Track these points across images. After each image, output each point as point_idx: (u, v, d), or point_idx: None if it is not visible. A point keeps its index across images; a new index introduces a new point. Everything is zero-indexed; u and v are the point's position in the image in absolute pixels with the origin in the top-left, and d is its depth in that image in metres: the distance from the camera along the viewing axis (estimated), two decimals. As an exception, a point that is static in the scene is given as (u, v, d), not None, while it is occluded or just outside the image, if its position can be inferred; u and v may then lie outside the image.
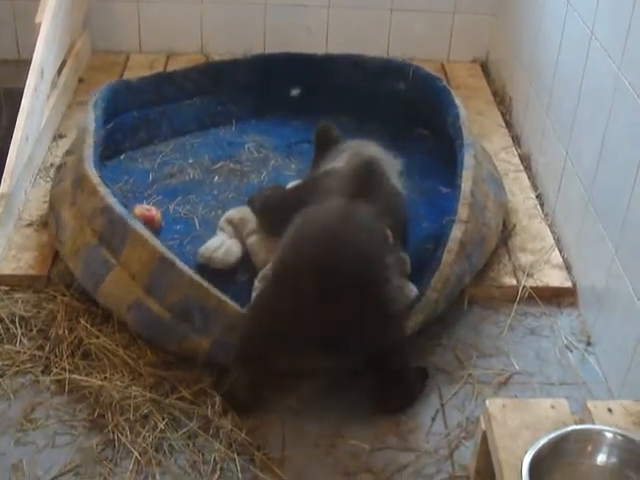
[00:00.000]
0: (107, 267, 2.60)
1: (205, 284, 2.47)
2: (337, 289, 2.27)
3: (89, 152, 2.90)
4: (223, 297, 2.46)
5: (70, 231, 2.77)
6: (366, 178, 2.64)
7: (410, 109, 3.60)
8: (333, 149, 2.90)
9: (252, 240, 2.85)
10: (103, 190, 2.72)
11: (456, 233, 2.71)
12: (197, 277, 2.48)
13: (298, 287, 2.28)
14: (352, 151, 2.82)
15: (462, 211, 2.77)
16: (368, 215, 2.50)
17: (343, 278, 2.28)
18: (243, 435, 2.31)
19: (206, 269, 2.72)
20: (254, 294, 2.67)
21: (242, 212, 2.96)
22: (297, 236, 2.45)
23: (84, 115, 3.21)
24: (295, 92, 3.71)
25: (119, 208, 2.66)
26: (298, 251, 2.39)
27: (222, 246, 2.83)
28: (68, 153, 3.20)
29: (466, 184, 2.86)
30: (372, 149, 2.83)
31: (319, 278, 2.27)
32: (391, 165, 2.79)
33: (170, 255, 2.53)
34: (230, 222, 2.92)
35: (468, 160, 2.97)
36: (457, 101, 3.34)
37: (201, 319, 2.45)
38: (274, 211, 2.82)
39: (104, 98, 3.28)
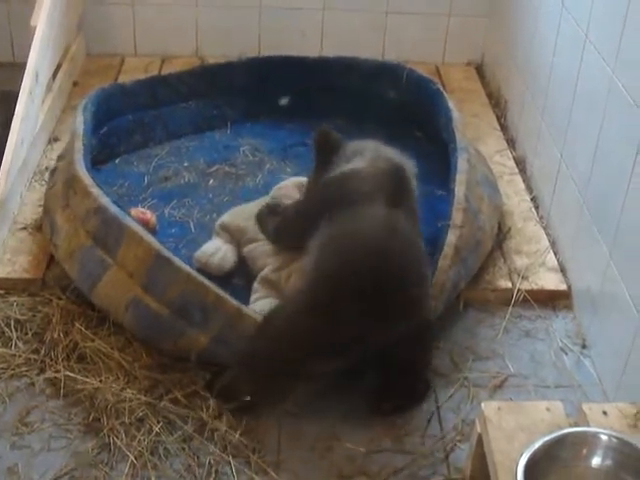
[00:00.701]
0: (103, 267, 2.61)
1: (203, 279, 2.47)
2: (383, 303, 2.28)
3: (79, 155, 2.91)
4: (222, 293, 2.46)
5: (64, 234, 2.77)
6: (401, 185, 2.63)
7: (404, 111, 3.61)
8: (339, 152, 2.84)
9: (249, 248, 2.85)
10: (96, 191, 2.72)
11: (451, 238, 2.71)
12: (194, 273, 2.49)
13: (341, 300, 2.28)
14: (372, 153, 2.77)
15: (456, 216, 2.78)
16: (410, 227, 2.51)
17: (390, 293, 2.30)
18: (237, 436, 2.30)
19: (202, 273, 2.71)
20: (253, 296, 2.67)
21: (238, 218, 2.95)
22: (342, 247, 2.42)
23: (74, 118, 3.21)
24: (284, 101, 3.71)
25: (113, 208, 2.66)
26: (344, 262, 2.36)
27: (218, 252, 2.83)
28: (60, 158, 3.20)
29: (460, 188, 2.86)
30: (389, 151, 2.80)
31: (366, 292, 2.27)
32: (411, 168, 2.78)
33: (166, 252, 2.53)
34: (225, 228, 2.92)
35: (461, 164, 2.97)
36: (450, 104, 3.34)
37: (200, 315, 2.45)
38: (293, 232, 2.79)
39: (94, 102, 3.29)
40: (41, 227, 2.98)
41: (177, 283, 2.48)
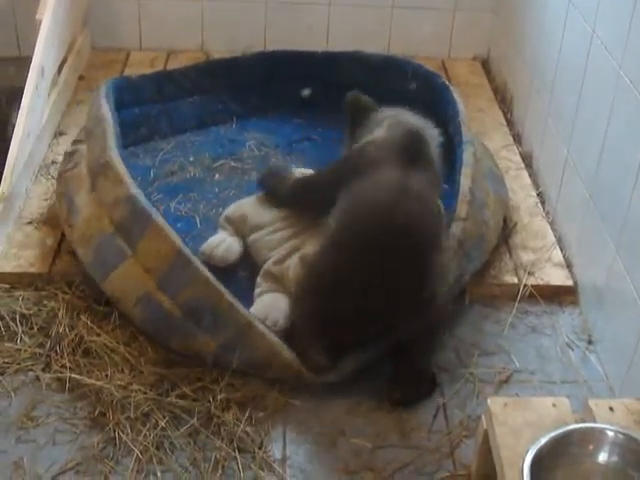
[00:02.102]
0: (121, 257, 2.60)
1: (220, 287, 2.46)
2: (396, 261, 2.35)
3: (112, 142, 2.88)
4: (236, 302, 2.45)
5: (85, 216, 2.76)
6: (413, 148, 2.67)
7: (410, 106, 3.60)
8: (370, 117, 2.91)
9: (253, 238, 2.85)
10: (129, 180, 2.71)
11: (455, 231, 2.71)
12: (212, 278, 2.48)
13: (357, 260, 2.36)
14: (392, 120, 2.83)
15: (460, 209, 2.77)
16: (427, 189, 2.57)
17: (402, 251, 2.36)
18: (242, 427, 2.30)
19: (207, 265, 2.71)
20: (257, 290, 2.68)
21: (241, 208, 2.96)
22: (356, 210, 2.49)
23: (95, 104, 3.17)
24: (306, 92, 3.68)
25: (144, 200, 2.65)
26: (360, 225, 2.43)
27: (222, 243, 2.83)
28: (78, 142, 3.14)
29: (465, 182, 2.86)
30: (411, 117, 2.85)
31: (381, 252, 2.34)
32: (432, 135, 2.82)
33: (188, 252, 2.52)
34: (229, 220, 2.92)
35: (467, 157, 2.97)
36: (457, 98, 3.33)
37: (211, 321, 2.44)
38: (314, 195, 2.84)
39: (110, 91, 3.27)
40: (47, 222, 2.99)
41: (194, 285, 2.47)
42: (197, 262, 2.51)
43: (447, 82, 3.51)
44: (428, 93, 3.52)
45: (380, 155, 2.64)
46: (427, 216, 2.50)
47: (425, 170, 2.64)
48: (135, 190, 2.68)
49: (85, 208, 2.78)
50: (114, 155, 2.81)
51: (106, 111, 3.08)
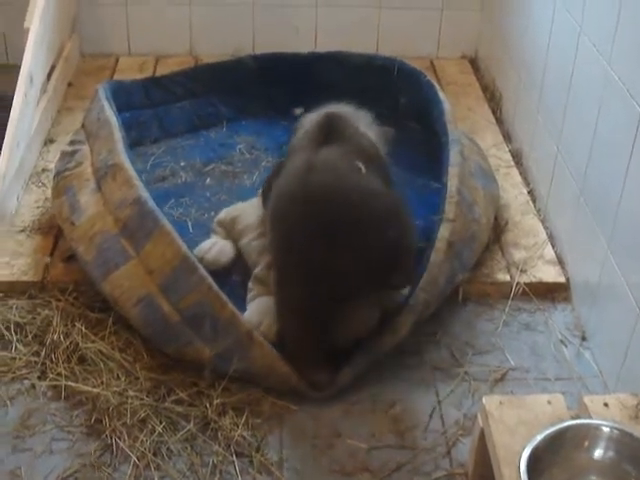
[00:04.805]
0: (124, 257, 2.60)
1: (222, 295, 2.46)
2: (329, 230, 2.35)
3: (121, 145, 2.91)
4: (237, 312, 2.45)
5: (89, 215, 2.76)
6: (326, 127, 2.76)
7: (398, 105, 3.61)
8: (300, 123, 3.13)
9: (244, 242, 2.86)
10: (139, 183, 2.73)
11: (444, 233, 2.70)
12: (215, 286, 2.48)
13: (297, 249, 2.39)
14: (314, 115, 3.01)
15: (449, 210, 2.76)
16: (334, 155, 2.60)
17: (328, 220, 2.37)
18: (239, 431, 2.31)
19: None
20: (249, 295, 2.68)
21: (232, 213, 2.96)
22: (276, 205, 2.57)
23: (96, 106, 3.18)
24: (299, 111, 3.68)
25: (151, 202, 2.66)
26: (280, 215, 2.52)
27: (214, 247, 2.84)
28: (77, 142, 3.14)
29: (452, 182, 2.84)
30: (334, 106, 2.98)
31: (311, 231, 2.36)
32: (356, 115, 2.90)
33: (193, 258, 2.53)
34: (221, 224, 2.93)
35: (454, 157, 2.96)
36: (442, 96, 3.33)
37: (210, 329, 2.44)
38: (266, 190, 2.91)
39: (109, 94, 3.28)
40: (39, 229, 2.99)
41: (196, 292, 2.47)
42: (202, 269, 2.50)
43: (432, 80, 3.51)
44: (414, 91, 3.52)
45: (299, 144, 2.78)
46: (339, 178, 2.50)
47: (340, 143, 2.68)
48: (144, 193, 2.69)
49: (90, 207, 2.78)
50: (124, 158, 2.84)
51: (110, 114, 3.10)
